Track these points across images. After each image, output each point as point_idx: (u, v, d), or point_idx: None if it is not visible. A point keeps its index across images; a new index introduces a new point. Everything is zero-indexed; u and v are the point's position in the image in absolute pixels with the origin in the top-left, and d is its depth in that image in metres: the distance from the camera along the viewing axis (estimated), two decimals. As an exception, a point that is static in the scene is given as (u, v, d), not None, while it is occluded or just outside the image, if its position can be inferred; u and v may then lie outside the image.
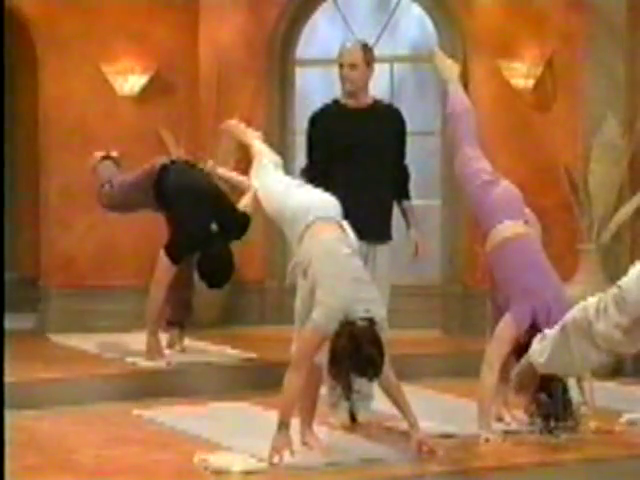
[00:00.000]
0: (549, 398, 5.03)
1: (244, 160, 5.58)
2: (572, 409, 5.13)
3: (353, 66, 5.65)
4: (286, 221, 5.00)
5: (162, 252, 6.66)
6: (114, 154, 7.30)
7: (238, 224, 6.81)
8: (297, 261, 4.87)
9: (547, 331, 3.13)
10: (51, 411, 5.86)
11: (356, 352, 4.48)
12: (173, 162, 7.11)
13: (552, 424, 5.10)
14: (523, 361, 3.21)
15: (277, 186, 5.15)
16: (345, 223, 4.93)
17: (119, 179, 7.12)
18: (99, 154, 7.31)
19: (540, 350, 3.11)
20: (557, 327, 3.09)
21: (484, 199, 5.49)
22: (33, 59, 8.45)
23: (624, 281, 2.96)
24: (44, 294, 8.38)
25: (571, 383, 5.19)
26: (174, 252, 6.63)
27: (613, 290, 2.98)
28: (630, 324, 2.94)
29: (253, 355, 7.04)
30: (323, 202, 4.99)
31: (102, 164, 7.27)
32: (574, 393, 5.18)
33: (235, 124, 5.85)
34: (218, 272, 6.61)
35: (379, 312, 4.65)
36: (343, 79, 5.69)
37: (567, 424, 5.10)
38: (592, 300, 3.03)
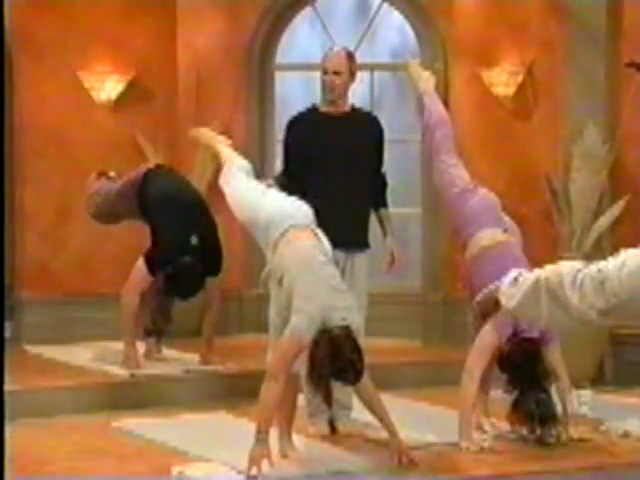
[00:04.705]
0: (536, 404, 5.04)
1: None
2: (556, 415, 5.14)
3: (337, 73, 5.62)
4: (259, 229, 4.97)
5: (141, 260, 6.59)
6: (111, 174, 7.22)
7: (218, 241, 6.75)
8: (272, 269, 4.83)
9: (520, 275, 3.12)
10: (26, 422, 5.78)
11: (336, 357, 4.47)
12: (159, 167, 7.06)
13: (538, 429, 5.11)
14: (488, 291, 3.23)
15: (249, 194, 5.12)
16: (319, 230, 4.90)
17: (106, 188, 7.08)
18: (94, 174, 7.22)
19: (509, 295, 3.14)
20: (531, 278, 3.08)
21: (462, 208, 5.48)
22: (8, 65, 8.36)
23: (606, 267, 2.93)
24: (19, 303, 8.30)
25: (564, 386, 5.22)
26: (153, 262, 6.56)
27: (592, 270, 2.94)
28: (606, 308, 2.92)
29: (231, 364, 6.98)
30: (296, 209, 4.97)
31: (96, 181, 7.19)
32: (571, 401, 5.20)
33: (203, 130, 5.84)
34: (182, 291, 6.56)
35: (355, 320, 4.64)
36: (325, 85, 5.66)
37: (552, 429, 5.10)
38: (568, 267, 3.01)
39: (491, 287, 3.25)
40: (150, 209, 6.75)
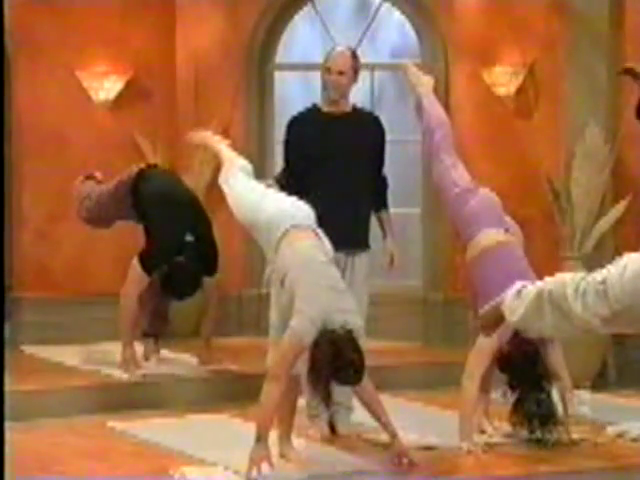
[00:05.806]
0: (537, 405, 5.04)
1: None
2: (557, 415, 5.13)
3: (342, 73, 5.59)
4: (260, 230, 4.94)
5: (135, 261, 6.56)
6: (98, 175, 7.19)
7: (214, 239, 6.71)
8: (274, 269, 4.80)
9: (523, 288, 3.11)
10: (24, 424, 5.76)
11: (336, 357, 4.44)
12: (151, 167, 7.02)
13: (538, 429, 5.10)
14: (494, 304, 3.21)
15: (249, 194, 5.09)
16: (320, 231, 4.87)
17: (97, 191, 7.04)
18: (80, 177, 7.19)
19: (513, 308, 3.13)
20: (533, 290, 3.08)
21: (462, 208, 5.46)
22: (6, 65, 8.33)
23: (608, 273, 2.92)
24: (17, 304, 8.26)
25: (563, 387, 5.21)
26: (148, 262, 6.53)
27: (594, 278, 2.94)
28: (610, 316, 2.92)
29: (231, 366, 6.95)
30: (297, 210, 4.95)
31: (84, 184, 7.15)
32: (572, 401, 5.19)
33: (200, 133, 5.81)
34: (178, 290, 6.53)
35: (356, 321, 4.61)
36: (328, 85, 5.62)
37: (553, 429, 5.09)
38: (570, 277, 3.02)
39: (493, 302, 3.24)
40: (144, 208, 6.72)
